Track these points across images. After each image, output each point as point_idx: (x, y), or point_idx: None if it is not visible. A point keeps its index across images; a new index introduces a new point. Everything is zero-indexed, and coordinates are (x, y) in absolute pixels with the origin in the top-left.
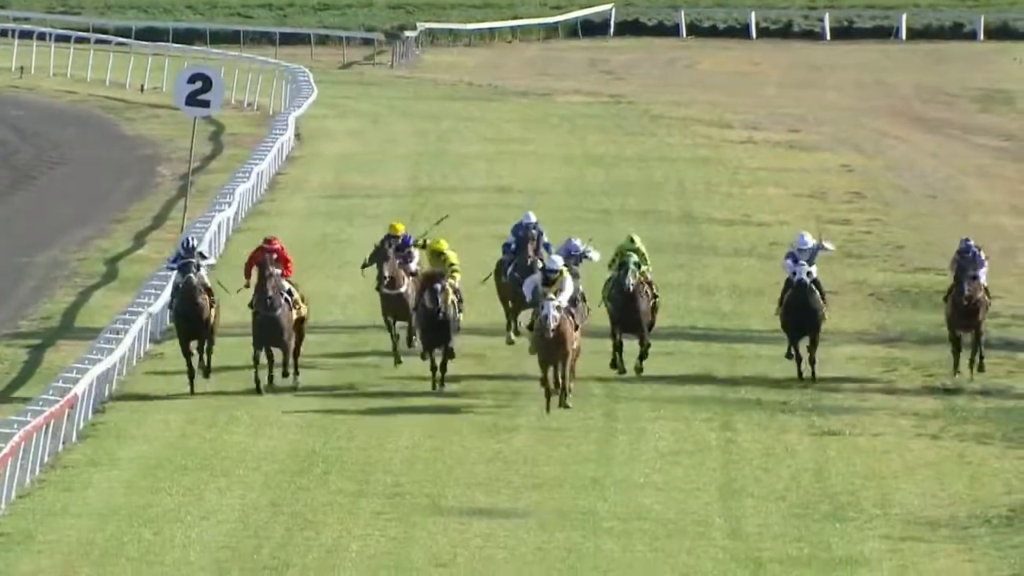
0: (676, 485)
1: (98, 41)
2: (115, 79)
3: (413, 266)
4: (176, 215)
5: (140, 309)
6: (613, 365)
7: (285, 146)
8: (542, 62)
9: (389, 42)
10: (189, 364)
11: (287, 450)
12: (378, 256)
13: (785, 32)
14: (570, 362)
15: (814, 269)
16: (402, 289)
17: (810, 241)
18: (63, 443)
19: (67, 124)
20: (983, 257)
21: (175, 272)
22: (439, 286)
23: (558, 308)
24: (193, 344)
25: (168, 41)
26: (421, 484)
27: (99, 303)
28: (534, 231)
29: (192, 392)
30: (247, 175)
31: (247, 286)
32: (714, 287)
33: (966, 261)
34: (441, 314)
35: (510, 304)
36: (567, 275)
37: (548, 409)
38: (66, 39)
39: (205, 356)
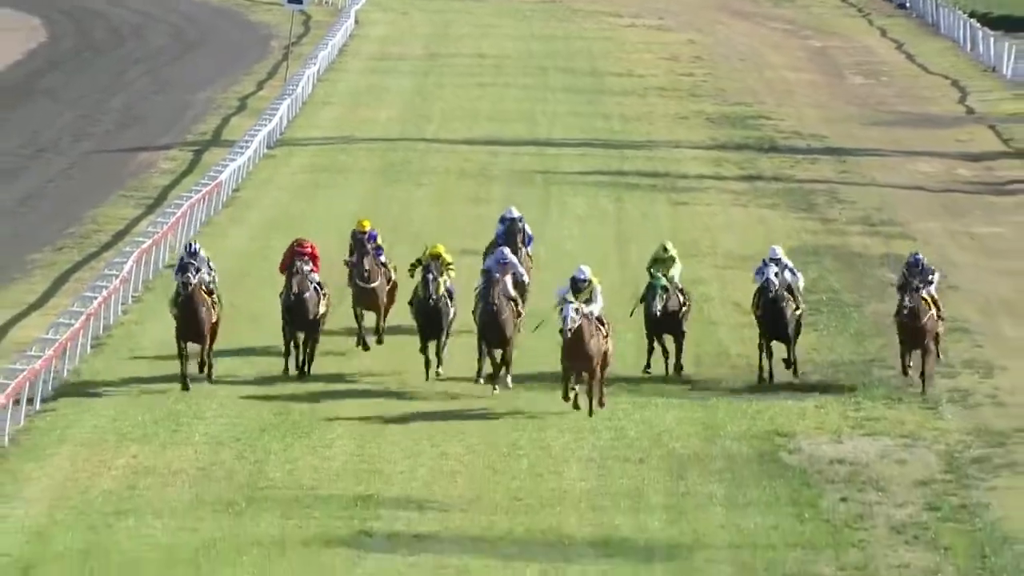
0: (587, 236)
1: None
2: None
3: (382, 259)
4: (281, 71)
5: (259, 128)
6: (647, 366)
7: (348, 29)
8: None
9: None
10: (183, 363)
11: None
12: (357, 249)
13: None
14: (596, 369)
15: (788, 273)
16: (375, 284)
17: (780, 254)
18: (213, 209)
19: (215, 15)
20: (932, 270)
21: (176, 274)
22: (431, 275)
23: (577, 311)
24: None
25: None
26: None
27: (235, 125)
28: (519, 224)
29: (185, 388)
30: (326, 46)
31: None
32: (609, 115)
33: (913, 275)
34: (432, 300)
35: None
36: (596, 284)
37: (574, 403)
38: None
39: (205, 358)
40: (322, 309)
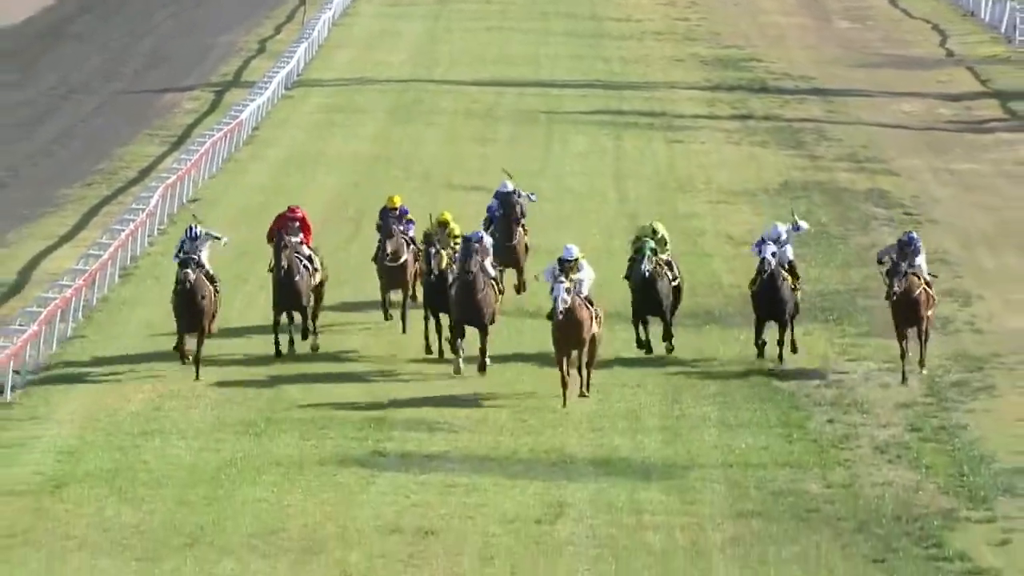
0: (588, 172)
1: None
2: None
3: (411, 233)
4: (298, 16)
5: (277, 71)
6: (639, 345)
7: None
8: None
9: None
10: (182, 349)
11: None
12: (383, 229)
13: None
14: (587, 350)
15: (788, 250)
16: (401, 260)
17: (782, 230)
18: (234, 146)
19: None
20: (920, 250)
21: (177, 264)
22: (433, 250)
23: (568, 291)
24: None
25: None
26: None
27: (255, 66)
28: (515, 197)
29: (194, 373)
30: None
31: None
32: (609, 58)
33: (904, 254)
34: (435, 276)
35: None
36: (584, 262)
37: (565, 402)
38: None
39: (200, 345)
40: (316, 280)
